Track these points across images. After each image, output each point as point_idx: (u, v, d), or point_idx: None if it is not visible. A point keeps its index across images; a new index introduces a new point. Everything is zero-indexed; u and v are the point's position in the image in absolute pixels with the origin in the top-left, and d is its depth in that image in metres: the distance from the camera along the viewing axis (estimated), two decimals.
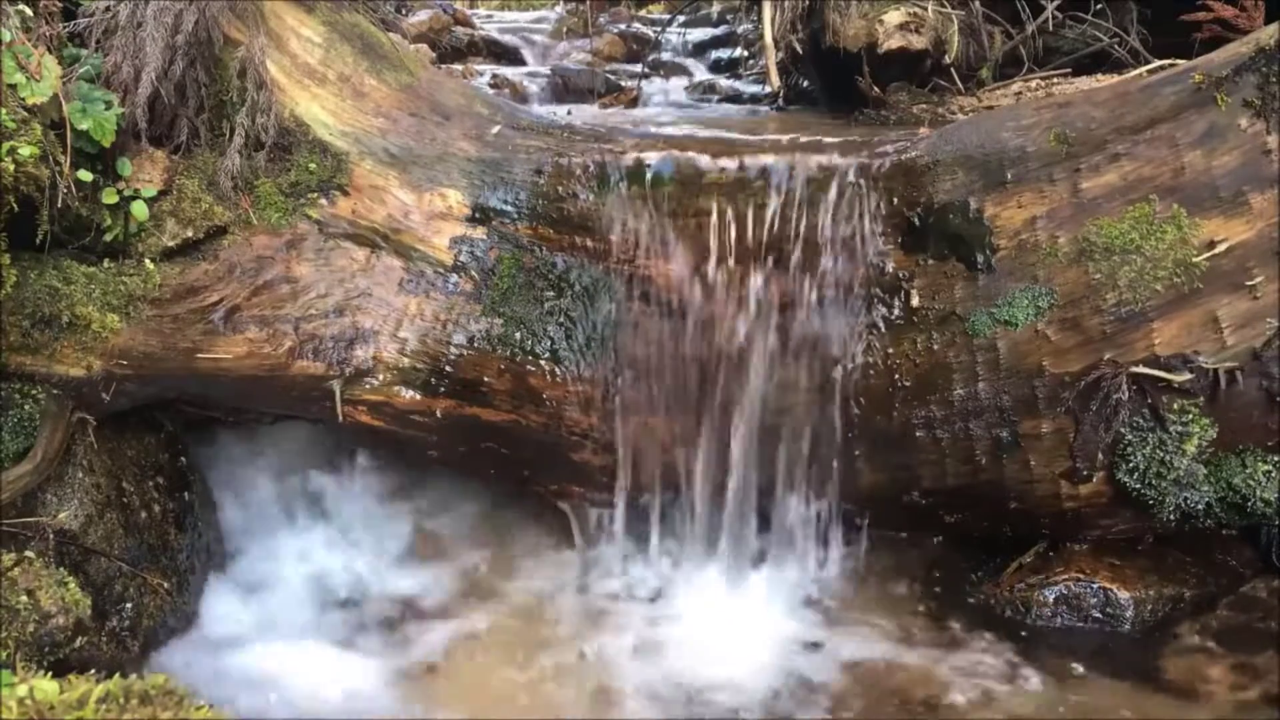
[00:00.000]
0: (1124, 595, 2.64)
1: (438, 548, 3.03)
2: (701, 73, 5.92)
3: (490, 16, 8.24)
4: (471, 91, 3.09)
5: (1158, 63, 3.12)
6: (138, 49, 2.50)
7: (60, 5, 2.49)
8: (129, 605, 2.45)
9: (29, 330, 2.41)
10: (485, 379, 2.66)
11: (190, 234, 2.57)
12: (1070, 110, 2.56)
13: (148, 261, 2.54)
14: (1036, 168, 2.52)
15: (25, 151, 2.23)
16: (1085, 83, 3.51)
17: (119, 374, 2.52)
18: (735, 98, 4.97)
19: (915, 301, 2.58)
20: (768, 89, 4.45)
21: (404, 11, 6.57)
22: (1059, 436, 2.50)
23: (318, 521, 3.06)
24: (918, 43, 3.74)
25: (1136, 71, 3.03)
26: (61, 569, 2.27)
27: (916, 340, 2.57)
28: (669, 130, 3.26)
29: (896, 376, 2.57)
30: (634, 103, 4.96)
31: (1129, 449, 2.45)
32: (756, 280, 2.63)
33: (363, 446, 3.13)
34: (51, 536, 2.31)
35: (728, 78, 5.54)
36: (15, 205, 2.25)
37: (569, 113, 4.11)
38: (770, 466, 2.68)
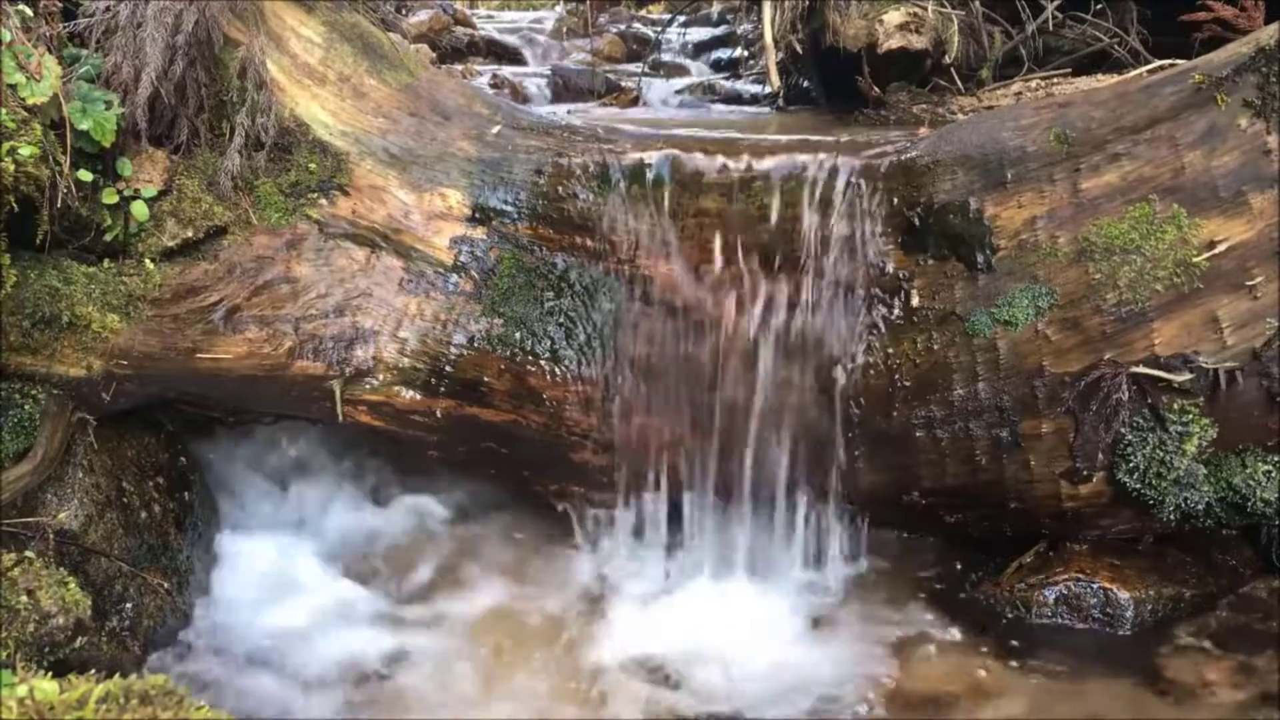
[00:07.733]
0: (1124, 595, 2.64)
1: (436, 546, 3.03)
2: (702, 73, 5.93)
3: (490, 16, 8.25)
4: (471, 91, 3.09)
5: (1158, 63, 3.12)
6: (138, 49, 2.51)
7: (60, 5, 2.49)
8: (129, 605, 2.45)
9: (29, 330, 2.42)
10: (485, 379, 2.66)
11: (190, 234, 2.58)
12: (1070, 110, 2.56)
13: (148, 261, 2.55)
14: (1036, 168, 2.52)
15: (25, 151, 2.23)
16: (1085, 83, 3.51)
17: (119, 374, 2.53)
18: (735, 98, 4.97)
19: (915, 301, 2.58)
20: (768, 89, 4.45)
21: (404, 11, 6.57)
22: (1059, 436, 2.50)
23: (316, 520, 3.07)
24: (918, 43, 3.74)
25: (1136, 71, 3.04)
26: (61, 569, 2.26)
27: (916, 340, 2.57)
28: (669, 130, 3.26)
29: (896, 376, 2.57)
30: (634, 103, 4.96)
31: (1129, 449, 2.45)
32: (756, 280, 2.63)
33: (361, 446, 3.13)
34: (51, 536, 2.31)
35: (728, 78, 5.54)
36: (15, 205, 2.26)
37: (569, 113, 4.11)
38: (770, 466, 2.68)
